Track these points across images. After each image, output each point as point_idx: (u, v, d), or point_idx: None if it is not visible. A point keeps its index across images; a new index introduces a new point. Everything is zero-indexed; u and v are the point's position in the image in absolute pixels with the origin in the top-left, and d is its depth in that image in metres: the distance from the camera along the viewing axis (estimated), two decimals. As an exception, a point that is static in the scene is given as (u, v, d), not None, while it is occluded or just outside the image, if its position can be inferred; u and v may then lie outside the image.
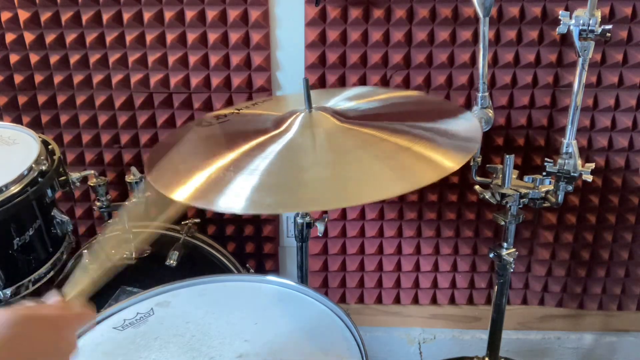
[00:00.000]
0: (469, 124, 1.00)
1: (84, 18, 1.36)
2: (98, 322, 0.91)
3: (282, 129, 0.98)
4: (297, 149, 0.93)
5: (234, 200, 0.82)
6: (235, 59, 1.39)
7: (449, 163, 0.86)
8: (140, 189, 1.27)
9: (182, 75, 1.41)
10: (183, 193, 0.86)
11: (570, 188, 1.14)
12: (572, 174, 1.11)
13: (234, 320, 0.90)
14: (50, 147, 1.18)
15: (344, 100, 1.13)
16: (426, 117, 1.03)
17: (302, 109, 1.01)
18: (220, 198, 0.83)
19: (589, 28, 1.00)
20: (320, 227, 1.19)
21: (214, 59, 1.39)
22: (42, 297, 0.69)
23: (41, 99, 1.45)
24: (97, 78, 1.43)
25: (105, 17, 1.36)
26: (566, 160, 1.11)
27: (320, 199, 0.83)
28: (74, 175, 1.20)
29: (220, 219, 1.58)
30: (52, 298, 0.69)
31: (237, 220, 1.58)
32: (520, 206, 1.18)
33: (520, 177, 1.18)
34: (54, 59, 1.41)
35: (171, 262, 1.24)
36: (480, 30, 1.09)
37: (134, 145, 1.49)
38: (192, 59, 1.39)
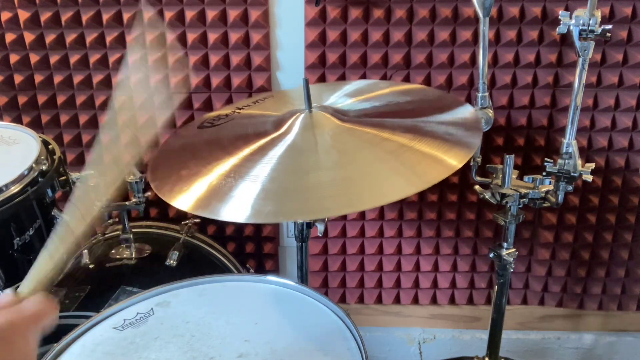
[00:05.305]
0: (469, 116, 1.00)
1: (84, 18, 1.36)
2: (98, 322, 0.91)
3: (282, 130, 0.97)
4: (299, 153, 0.93)
5: (237, 209, 0.82)
6: (235, 59, 1.39)
7: (453, 159, 0.86)
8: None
9: (182, 75, 1.41)
10: (186, 201, 0.86)
11: (570, 188, 1.14)
12: (572, 174, 1.11)
13: (234, 320, 0.90)
14: (50, 147, 1.18)
15: (343, 96, 1.13)
16: (426, 112, 1.03)
17: (302, 108, 1.01)
18: (222, 207, 0.83)
19: (589, 28, 1.00)
20: (320, 227, 1.19)
21: (214, 59, 1.39)
22: None
23: (41, 99, 1.45)
24: (97, 78, 1.43)
25: (105, 17, 1.36)
26: (566, 160, 1.11)
27: (330, 205, 0.82)
28: (74, 175, 1.20)
29: (220, 219, 1.58)
30: (3, 297, 0.60)
31: (237, 220, 1.58)
32: (520, 206, 1.18)
33: (520, 177, 1.18)
34: (54, 59, 1.41)
35: (171, 262, 1.24)
36: (480, 30, 1.09)
37: (134, 145, 1.49)
38: (192, 59, 1.39)
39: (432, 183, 0.82)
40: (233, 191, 0.85)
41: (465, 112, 1.02)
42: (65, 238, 0.69)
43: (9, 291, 0.61)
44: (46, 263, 0.66)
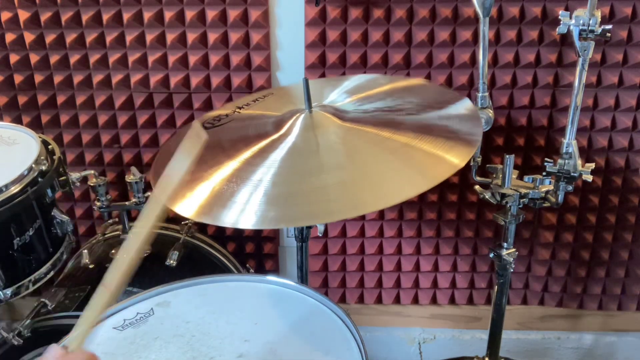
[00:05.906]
0: (468, 111, 1.00)
1: (84, 18, 1.36)
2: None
3: (283, 131, 0.97)
4: (301, 155, 0.92)
5: (240, 215, 0.81)
6: (235, 59, 1.39)
7: (456, 157, 0.85)
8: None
9: (182, 75, 1.41)
10: (189, 208, 0.85)
11: (570, 188, 1.14)
12: (572, 174, 1.11)
13: (234, 320, 0.90)
14: (50, 147, 1.18)
15: (344, 93, 1.12)
16: (427, 108, 1.03)
17: (302, 108, 1.01)
18: (225, 214, 0.82)
19: (589, 28, 1.00)
20: (320, 227, 1.19)
21: (214, 59, 1.39)
22: (43, 352, 0.65)
23: (41, 99, 1.45)
24: (97, 78, 1.43)
25: (105, 17, 1.36)
26: (566, 160, 1.11)
27: (334, 209, 0.81)
28: (74, 175, 1.20)
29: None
30: (52, 351, 0.65)
31: (237, 220, 1.58)
32: (520, 206, 1.18)
33: (520, 177, 1.18)
34: (54, 59, 1.41)
35: (171, 262, 1.24)
36: (480, 30, 1.09)
37: (134, 145, 1.49)
38: (192, 59, 1.39)
39: (436, 182, 0.81)
40: (235, 197, 0.84)
41: (464, 107, 1.02)
42: (105, 298, 0.71)
43: (57, 346, 0.66)
44: (93, 318, 0.70)
